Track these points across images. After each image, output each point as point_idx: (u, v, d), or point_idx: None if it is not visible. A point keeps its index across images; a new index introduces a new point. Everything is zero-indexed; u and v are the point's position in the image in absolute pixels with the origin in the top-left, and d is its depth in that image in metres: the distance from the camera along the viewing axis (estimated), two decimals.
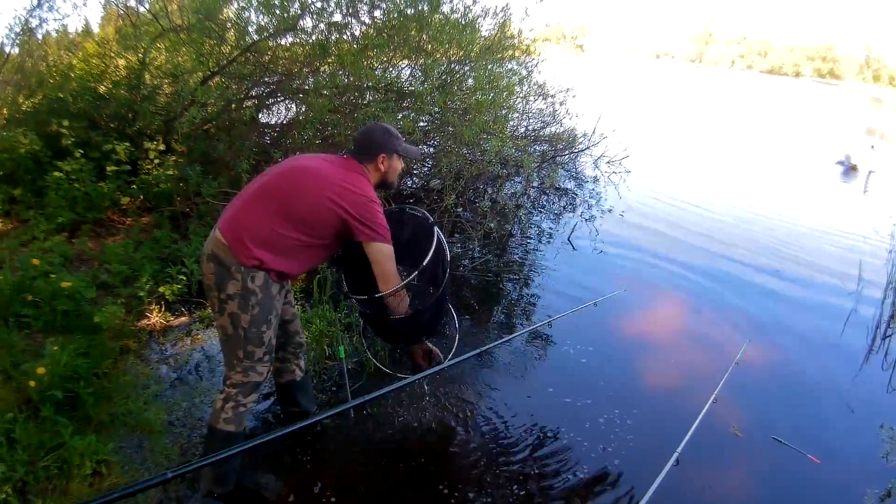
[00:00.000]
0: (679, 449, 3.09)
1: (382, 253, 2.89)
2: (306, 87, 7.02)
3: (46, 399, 3.32)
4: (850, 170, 14.99)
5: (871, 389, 4.89)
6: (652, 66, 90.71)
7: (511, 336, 4.87)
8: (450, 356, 3.40)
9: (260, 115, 7.69)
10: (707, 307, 6.27)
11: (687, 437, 3.19)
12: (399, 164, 3.18)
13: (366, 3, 6.93)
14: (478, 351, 3.42)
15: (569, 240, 7.86)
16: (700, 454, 3.54)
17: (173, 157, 6.54)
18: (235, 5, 7.15)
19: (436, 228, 3.24)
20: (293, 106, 7.75)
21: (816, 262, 7.95)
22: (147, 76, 7.41)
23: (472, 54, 7.51)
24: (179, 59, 7.20)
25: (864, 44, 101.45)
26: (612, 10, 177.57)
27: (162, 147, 6.46)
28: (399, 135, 3.17)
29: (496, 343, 4.56)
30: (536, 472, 3.51)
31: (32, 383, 3.35)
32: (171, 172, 6.36)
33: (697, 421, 3.40)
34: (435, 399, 4.11)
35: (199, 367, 4.27)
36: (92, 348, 3.96)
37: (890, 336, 5.84)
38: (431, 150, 7.96)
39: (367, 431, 3.73)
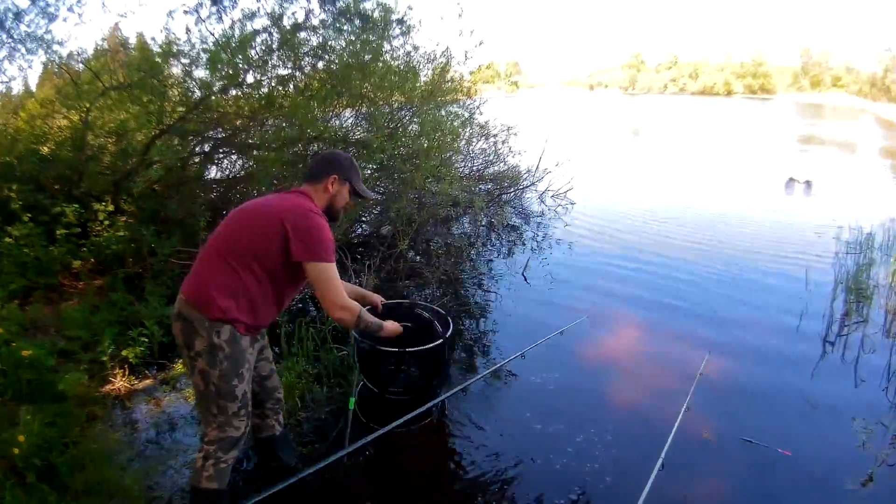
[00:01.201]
0: (662, 454, 3.44)
1: (323, 275, 2.86)
2: (250, 142, 7.26)
3: (30, 467, 3.41)
4: (791, 182, 15.85)
5: (832, 385, 5.33)
6: (586, 97, 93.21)
7: (476, 377, 5.07)
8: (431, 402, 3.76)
9: (210, 171, 7.87)
10: (666, 324, 6.69)
11: (668, 442, 3.55)
12: (346, 195, 3.18)
13: (309, 56, 7.26)
14: (447, 395, 3.81)
15: (522, 274, 8.18)
16: (679, 462, 3.86)
17: (123, 218, 6.64)
18: (179, 64, 7.32)
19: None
20: (241, 161, 7.94)
21: (766, 271, 8.47)
22: (91, 136, 7.47)
23: (416, 100, 7.86)
24: (123, 116, 7.31)
25: (802, 49, 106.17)
26: (543, 45, 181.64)
27: (111, 208, 6.54)
28: (356, 166, 3.23)
29: (465, 384, 4.78)
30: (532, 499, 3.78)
31: (16, 451, 3.44)
32: (121, 233, 6.46)
33: (674, 429, 3.79)
34: (415, 447, 4.31)
35: (170, 429, 4.36)
36: (59, 417, 4.02)
37: (845, 335, 6.36)
38: (380, 196, 8.19)
39: (354, 480, 3.91)
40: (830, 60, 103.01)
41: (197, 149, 7.54)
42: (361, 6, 7.32)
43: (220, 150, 7.69)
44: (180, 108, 7.09)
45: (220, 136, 7.56)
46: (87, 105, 7.33)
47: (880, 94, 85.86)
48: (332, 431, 4.32)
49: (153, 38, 7.37)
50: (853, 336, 6.33)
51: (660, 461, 3.40)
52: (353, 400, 4.01)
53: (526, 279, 8.07)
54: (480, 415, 4.71)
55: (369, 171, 7.60)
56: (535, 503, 3.75)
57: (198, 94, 7.13)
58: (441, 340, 4.24)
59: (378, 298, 3.85)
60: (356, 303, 3.06)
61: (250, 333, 2.95)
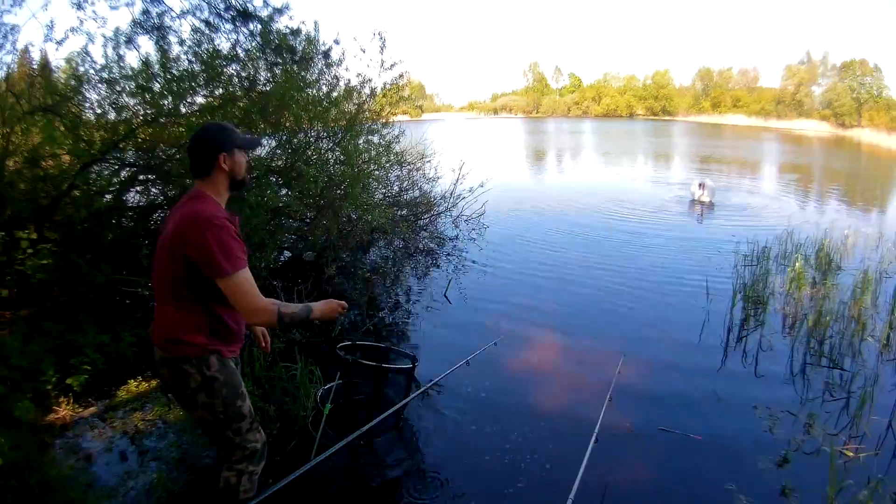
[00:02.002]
0: (595, 431, 4.08)
1: (230, 287, 2.75)
2: (167, 168, 7.36)
3: (7, 488, 3.64)
4: (693, 202, 16.96)
5: (735, 380, 6.26)
6: (491, 122, 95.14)
7: (421, 389, 5.32)
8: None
9: (134, 197, 8.01)
10: (583, 333, 7.54)
11: (596, 429, 4.15)
12: (243, 158, 3.08)
13: (233, 86, 7.53)
14: (400, 405, 4.43)
15: (444, 295, 8.75)
16: (607, 450, 4.47)
17: (48, 246, 6.64)
18: (101, 90, 7.38)
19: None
20: (167, 189, 7.99)
21: (672, 284, 9.41)
22: (10, 161, 7.34)
23: (337, 129, 8.28)
24: (40, 140, 7.21)
25: (703, 71, 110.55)
26: (447, 68, 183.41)
27: (34, 236, 6.52)
28: (233, 127, 3.12)
29: (412, 395, 5.11)
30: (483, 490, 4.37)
31: None
32: (46, 262, 6.45)
33: (601, 417, 4.38)
34: (372, 455, 4.78)
35: (122, 454, 4.59)
36: (19, 441, 4.21)
37: (745, 337, 7.30)
38: (305, 225, 8.58)
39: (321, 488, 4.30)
40: (731, 82, 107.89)
41: (122, 174, 7.64)
42: (290, 41, 7.69)
43: (147, 178, 7.79)
44: (101, 134, 7.18)
45: (144, 163, 7.61)
46: (7, 130, 7.24)
47: (787, 111, 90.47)
48: (287, 447, 4.71)
49: (70, 62, 7.50)
50: (752, 337, 7.28)
51: (594, 435, 4.02)
52: (328, 406, 4.45)
53: (449, 300, 8.63)
54: (427, 423, 5.28)
55: (285, 199, 7.79)
56: (485, 494, 4.32)
57: (124, 119, 7.30)
58: (412, 365, 4.99)
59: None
60: (271, 301, 2.89)
61: (233, 354, 3.06)
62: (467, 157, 13.65)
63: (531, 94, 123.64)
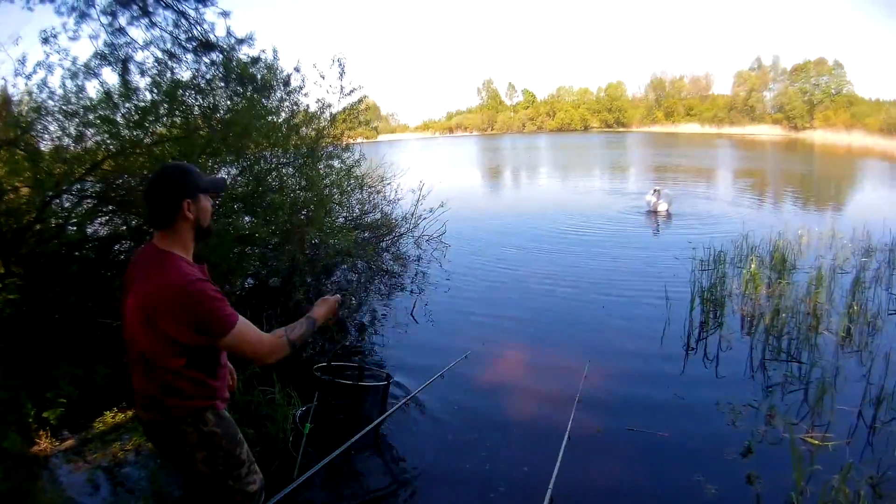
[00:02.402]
0: (567, 432, 4.51)
1: (234, 341, 2.64)
2: (130, 199, 7.33)
3: None
4: (651, 212, 17.37)
5: (697, 380, 6.66)
6: (446, 141, 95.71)
7: (399, 404, 5.70)
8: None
9: (100, 229, 7.97)
10: (548, 344, 7.87)
11: (569, 425, 4.53)
12: (209, 203, 2.84)
13: (199, 117, 7.67)
14: (377, 422, 4.70)
15: (411, 314, 8.98)
16: (578, 451, 4.87)
17: (15, 280, 6.72)
18: (58, 124, 7.34)
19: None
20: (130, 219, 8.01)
21: (632, 292, 9.84)
22: None
23: (301, 152, 8.47)
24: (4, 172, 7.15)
25: (655, 81, 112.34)
26: (401, 88, 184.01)
27: (1, 270, 6.64)
28: (196, 169, 2.85)
29: (391, 410, 5.47)
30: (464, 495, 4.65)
31: None
32: (13, 296, 6.52)
33: (570, 419, 4.85)
34: (356, 468, 5.00)
35: (101, 486, 4.75)
36: (10, 472, 4.37)
37: (704, 338, 7.71)
38: (269, 251, 8.71)
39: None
40: (683, 91, 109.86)
41: (85, 205, 7.57)
42: (250, 70, 7.93)
43: (109, 209, 7.77)
44: (62, 166, 7.14)
45: (106, 194, 7.60)
46: None
47: (740, 117, 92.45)
48: (269, 469, 4.73)
49: (30, 94, 7.44)
50: (711, 338, 7.68)
51: (566, 434, 4.37)
52: (308, 426, 4.69)
53: (415, 319, 8.87)
54: (406, 438, 5.50)
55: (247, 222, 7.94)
56: (467, 501, 4.58)
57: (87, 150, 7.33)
58: (387, 382, 5.41)
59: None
60: (277, 334, 2.83)
61: (226, 402, 2.94)
62: (426, 178, 13.93)
63: (486, 111, 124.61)
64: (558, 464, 4.40)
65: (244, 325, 2.68)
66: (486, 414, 5.92)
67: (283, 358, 2.84)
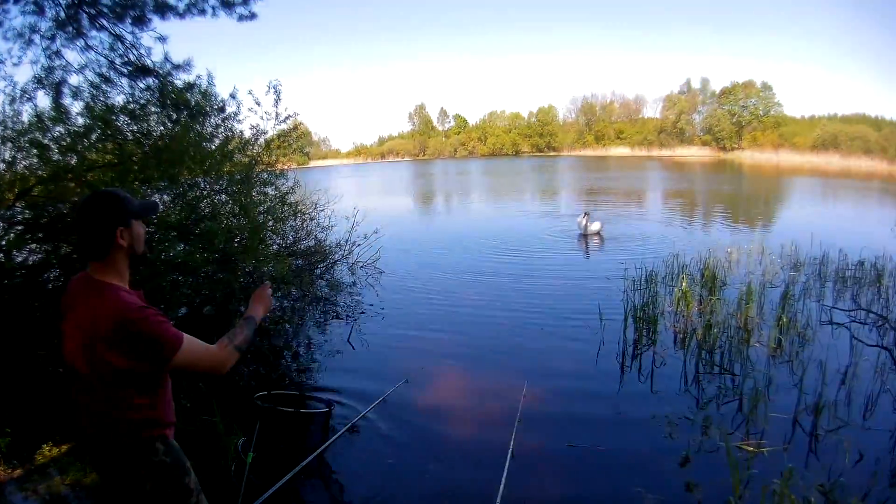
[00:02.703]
0: (510, 449, 4.61)
1: (183, 361, 2.62)
2: (59, 226, 7.22)
3: None
4: (581, 235, 17.69)
5: (633, 395, 6.89)
6: (378, 166, 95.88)
7: (342, 430, 5.83)
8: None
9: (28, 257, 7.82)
10: (485, 367, 7.99)
11: (511, 443, 4.67)
12: (142, 229, 2.79)
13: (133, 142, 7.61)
14: (321, 450, 4.76)
15: (348, 341, 9.01)
16: (522, 468, 5.06)
17: None
18: None
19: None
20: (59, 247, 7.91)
21: (566, 313, 10.03)
22: None
23: (234, 179, 8.45)
24: None
25: (586, 106, 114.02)
26: (336, 115, 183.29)
27: None
28: (125, 193, 2.77)
29: (332, 438, 5.60)
30: None
31: None
32: None
33: (513, 439, 5.04)
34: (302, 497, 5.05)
35: None
36: None
37: (639, 355, 7.96)
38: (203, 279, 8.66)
39: None
40: (613, 115, 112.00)
41: (14, 232, 7.30)
42: (185, 96, 7.95)
43: (37, 236, 7.54)
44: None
45: (33, 220, 7.39)
46: None
47: (670, 139, 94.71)
48: (212, 500, 4.88)
49: None
50: (646, 355, 7.93)
51: (510, 450, 4.49)
52: (250, 455, 4.69)
53: (352, 345, 8.90)
54: (348, 463, 5.54)
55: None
56: None
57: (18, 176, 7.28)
58: (328, 409, 5.62)
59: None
60: (222, 344, 2.82)
61: (173, 428, 2.88)
62: (359, 204, 14.02)
63: (417, 136, 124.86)
64: (503, 483, 4.53)
65: (190, 341, 2.66)
66: (429, 437, 6.01)
67: (232, 364, 2.83)
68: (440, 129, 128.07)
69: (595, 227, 17.60)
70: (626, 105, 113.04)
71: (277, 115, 9.40)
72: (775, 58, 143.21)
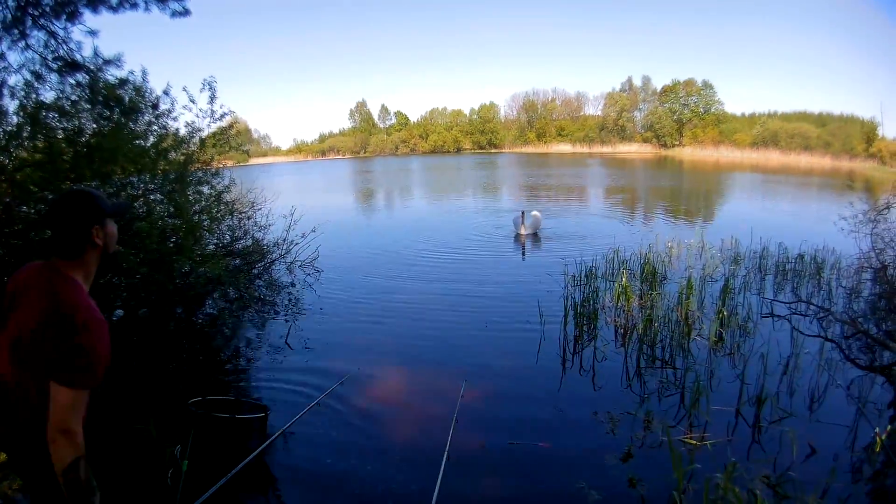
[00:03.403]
0: (446, 448, 4.70)
1: (72, 402, 2.42)
2: None
3: None
4: (518, 234, 17.64)
5: (574, 392, 6.91)
6: (319, 164, 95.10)
7: (276, 434, 5.74)
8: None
9: None
10: (423, 366, 7.94)
11: (448, 443, 4.64)
12: (114, 228, 2.78)
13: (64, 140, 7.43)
14: (251, 457, 4.69)
15: (286, 342, 8.86)
16: (461, 467, 5.10)
17: None
18: None
19: None
20: None
21: (506, 311, 10.05)
22: None
23: (169, 178, 8.34)
24: None
25: (527, 103, 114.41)
26: (277, 112, 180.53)
27: None
28: (99, 192, 2.78)
29: (265, 444, 5.49)
30: None
31: None
32: None
33: (449, 439, 5.09)
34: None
35: None
36: None
37: (580, 352, 8.00)
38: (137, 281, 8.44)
39: None
40: (555, 113, 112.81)
41: None
42: (117, 92, 7.77)
43: None
44: None
45: None
46: None
47: (611, 136, 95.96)
48: None
49: None
50: (586, 351, 7.99)
51: (445, 452, 4.46)
52: (185, 463, 4.56)
53: (290, 346, 8.75)
54: (286, 467, 5.48)
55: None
56: None
57: None
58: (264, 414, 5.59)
59: None
60: (78, 439, 2.46)
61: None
62: (299, 202, 13.85)
63: (358, 133, 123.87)
64: (439, 482, 4.47)
65: (86, 397, 2.49)
66: (366, 438, 5.94)
67: (61, 455, 2.39)
68: (381, 126, 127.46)
69: (529, 226, 17.54)
70: (568, 102, 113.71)
71: (213, 112, 9.24)
72: (717, 56, 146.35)
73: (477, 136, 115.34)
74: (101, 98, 7.70)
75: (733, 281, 10.34)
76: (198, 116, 9.21)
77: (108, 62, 8.03)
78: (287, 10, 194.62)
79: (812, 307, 9.16)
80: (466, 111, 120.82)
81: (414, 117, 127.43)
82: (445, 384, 7.01)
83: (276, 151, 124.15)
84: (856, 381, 6.88)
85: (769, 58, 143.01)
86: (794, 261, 12.05)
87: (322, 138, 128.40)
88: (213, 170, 9.61)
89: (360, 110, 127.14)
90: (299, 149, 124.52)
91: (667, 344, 7.83)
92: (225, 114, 9.53)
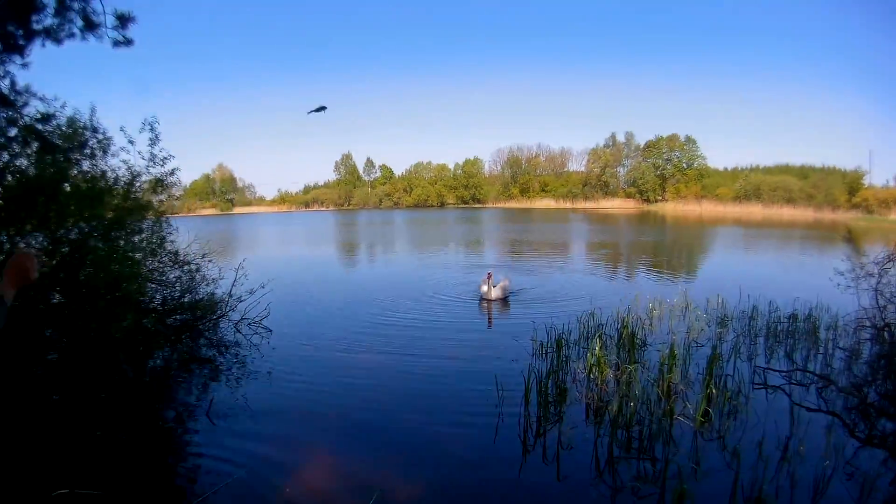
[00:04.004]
0: None
1: None
2: None
3: None
4: (482, 300, 15.59)
5: (535, 487, 5.71)
6: (302, 216, 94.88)
7: None
8: None
9: None
10: (357, 451, 6.68)
11: None
12: None
13: None
14: None
15: (207, 415, 7.71)
16: None
17: None
18: None
19: None
20: None
21: (463, 384, 8.78)
22: None
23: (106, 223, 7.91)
24: None
25: (511, 159, 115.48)
26: (263, 162, 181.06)
27: None
28: None
29: None
30: None
31: None
32: None
33: None
34: None
35: None
36: None
37: (543, 434, 6.77)
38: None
39: None
40: (539, 168, 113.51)
41: None
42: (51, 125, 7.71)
43: None
44: None
45: None
46: None
47: (594, 192, 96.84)
48: None
49: None
50: (551, 434, 6.78)
51: None
52: None
53: (211, 420, 7.61)
54: None
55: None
56: None
57: None
58: None
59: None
60: None
61: None
62: (262, 255, 13.01)
63: (343, 186, 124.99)
64: None
65: None
66: None
67: None
68: (366, 179, 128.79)
69: (497, 291, 15.58)
70: (552, 158, 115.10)
71: (154, 156, 8.90)
72: (700, 111, 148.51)
73: (461, 191, 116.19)
74: (33, 136, 7.61)
75: (721, 346, 9.35)
76: (145, 160, 9.23)
77: (38, 98, 7.79)
78: (273, 58, 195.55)
79: (808, 375, 8.16)
80: (451, 165, 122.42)
81: (399, 171, 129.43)
82: (382, 474, 5.96)
83: (261, 201, 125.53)
84: (863, 458, 5.97)
85: (752, 112, 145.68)
86: (786, 321, 11.08)
87: (306, 189, 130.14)
88: (161, 217, 9.51)
89: (346, 162, 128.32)
90: (283, 199, 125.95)
91: (645, 425, 6.69)
92: (166, 158, 9.38)
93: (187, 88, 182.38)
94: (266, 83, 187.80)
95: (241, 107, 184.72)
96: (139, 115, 9.50)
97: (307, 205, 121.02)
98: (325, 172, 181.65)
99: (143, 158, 9.22)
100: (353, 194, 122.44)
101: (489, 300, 15.31)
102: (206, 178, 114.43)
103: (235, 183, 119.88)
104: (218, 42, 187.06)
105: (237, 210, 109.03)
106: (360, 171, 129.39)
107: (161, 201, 10.00)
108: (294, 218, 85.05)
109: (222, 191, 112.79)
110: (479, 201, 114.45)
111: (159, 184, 9.60)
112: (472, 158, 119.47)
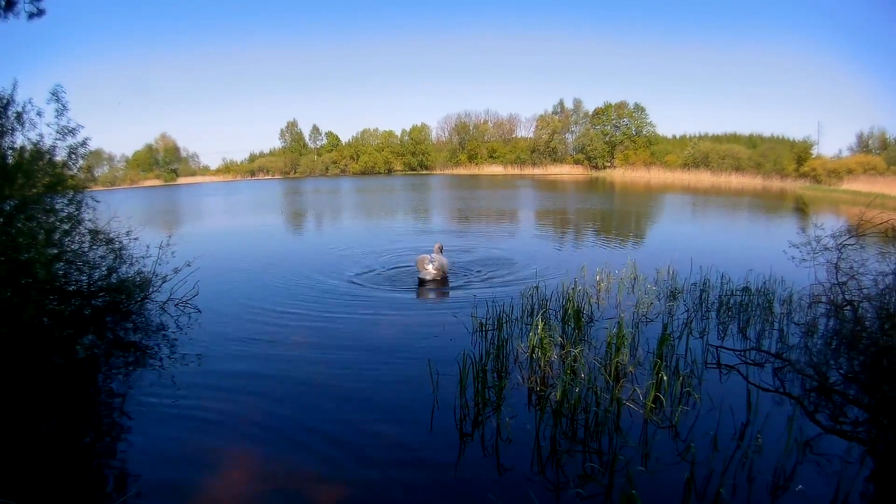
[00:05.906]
0: None
1: None
2: None
3: None
4: (422, 280, 14.62)
5: (476, 476, 5.40)
6: (246, 185, 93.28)
7: None
8: None
9: None
10: (286, 446, 6.13)
11: None
12: None
13: None
14: None
15: (123, 409, 7.14)
16: None
17: None
18: None
19: None
20: None
21: (396, 367, 8.17)
22: None
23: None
24: None
25: (460, 125, 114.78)
26: (207, 131, 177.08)
27: None
28: None
29: None
30: None
31: None
32: None
33: None
34: None
35: None
36: None
37: (482, 423, 6.32)
38: None
39: None
40: (487, 135, 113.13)
41: None
42: None
43: None
44: None
45: None
46: None
47: (542, 158, 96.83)
48: None
49: None
50: (490, 422, 6.33)
51: None
52: None
53: (129, 416, 7.01)
54: None
55: None
56: None
57: None
58: None
59: None
60: None
61: None
62: (204, 226, 12.34)
63: (289, 154, 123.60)
64: None
65: None
66: None
67: None
68: (312, 146, 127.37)
69: (435, 269, 13.91)
70: (500, 125, 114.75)
71: (62, 127, 8.71)
72: (650, 78, 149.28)
73: (408, 158, 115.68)
74: None
75: (671, 322, 9.02)
76: (54, 131, 8.84)
77: None
78: (217, 26, 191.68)
79: (764, 354, 7.84)
80: (398, 132, 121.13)
81: (345, 138, 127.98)
82: (314, 470, 5.56)
83: (205, 171, 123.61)
84: (823, 442, 5.77)
85: (702, 80, 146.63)
86: (739, 293, 10.73)
87: (252, 158, 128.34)
88: (72, 192, 9.08)
89: (291, 130, 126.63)
90: (228, 168, 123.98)
91: (591, 413, 6.22)
92: (74, 129, 8.91)
93: (125, 56, 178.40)
94: (204, 49, 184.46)
95: (182, 74, 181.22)
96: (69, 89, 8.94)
97: (253, 174, 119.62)
98: (270, 141, 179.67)
99: (55, 131, 8.83)
100: (299, 162, 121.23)
101: (428, 280, 13.84)
102: (149, 148, 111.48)
103: (179, 153, 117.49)
104: (153, 3, 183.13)
105: (181, 181, 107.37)
106: (307, 138, 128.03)
107: (73, 176, 9.44)
108: (239, 187, 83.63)
109: (166, 161, 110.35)
110: (426, 168, 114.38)
111: (71, 155, 9.17)
112: (419, 125, 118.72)
